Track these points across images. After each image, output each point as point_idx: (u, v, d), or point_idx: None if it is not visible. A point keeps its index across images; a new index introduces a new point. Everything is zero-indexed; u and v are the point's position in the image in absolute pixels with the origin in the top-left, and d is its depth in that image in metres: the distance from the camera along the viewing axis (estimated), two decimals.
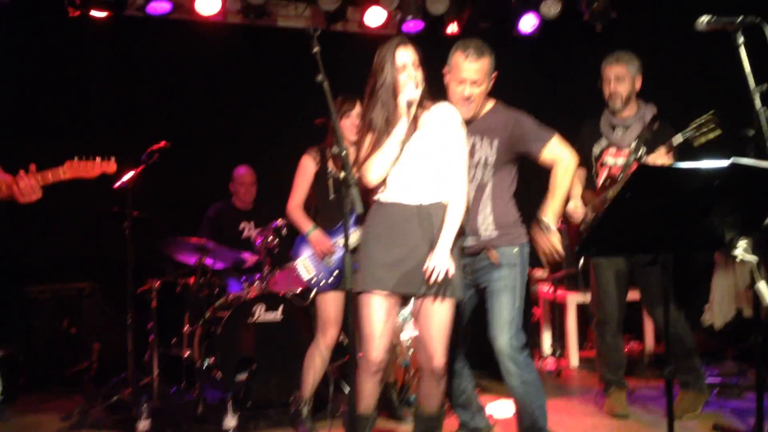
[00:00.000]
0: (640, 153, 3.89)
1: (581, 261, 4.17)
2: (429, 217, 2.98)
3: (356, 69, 3.38)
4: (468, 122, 3.23)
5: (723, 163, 2.19)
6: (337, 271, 3.94)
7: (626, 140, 3.98)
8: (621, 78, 4.00)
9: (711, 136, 3.51)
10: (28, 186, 3.00)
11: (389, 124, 2.97)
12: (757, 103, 2.54)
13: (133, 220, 4.29)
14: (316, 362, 3.97)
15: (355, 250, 3.18)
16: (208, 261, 4.78)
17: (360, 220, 3.16)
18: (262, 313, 4.54)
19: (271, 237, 4.64)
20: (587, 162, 4.10)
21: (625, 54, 4.03)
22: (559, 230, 3.31)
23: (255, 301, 4.54)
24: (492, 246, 3.27)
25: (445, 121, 3.06)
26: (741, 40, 2.60)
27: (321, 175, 4.02)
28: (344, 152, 2.67)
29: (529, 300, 5.78)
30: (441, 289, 2.95)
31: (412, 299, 3.10)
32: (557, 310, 5.75)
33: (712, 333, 5.07)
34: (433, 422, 3.20)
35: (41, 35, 5.66)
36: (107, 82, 6.00)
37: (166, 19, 5.65)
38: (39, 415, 4.53)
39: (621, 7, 6.35)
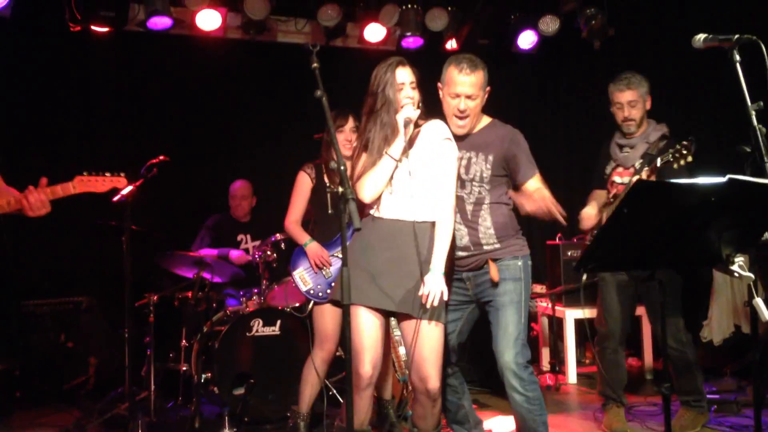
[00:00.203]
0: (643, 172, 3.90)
1: (584, 277, 4.17)
2: (419, 235, 2.99)
3: (356, 84, 3.40)
4: (463, 137, 3.24)
5: (720, 179, 2.20)
6: (334, 284, 3.94)
7: (631, 159, 3.99)
8: (634, 103, 4.02)
9: (683, 162, 3.56)
10: (38, 201, 3.01)
11: (388, 142, 2.99)
12: (754, 120, 2.55)
13: (131, 234, 4.29)
14: (313, 376, 3.97)
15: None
16: (207, 275, 4.78)
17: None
18: (260, 328, 4.53)
19: (269, 251, 4.65)
20: (603, 183, 4.13)
21: (634, 78, 4.04)
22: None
23: (253, 316, 4.54)
24: (494, 258, 3.26)
25: (434, 135, 3.08)
26: (737, 57, 2.61)
27: (318, 190, 4.05)
28: (343, 167, 2.68)
29: (528, 315, 5.78)
30: (429, 313, 2.96)
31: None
32: (556, 326, 5.74)
33: (711, 349, 5.06)
34: None
35: (42, 49, 5.69)
36: (108, 96, 6.03)
37: (167, 35, 5.68)
38: (35, 430, 4.51)
39: (619, 24, 6.40)
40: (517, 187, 3.30)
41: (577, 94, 7.19)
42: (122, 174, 3.30)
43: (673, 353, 3.97)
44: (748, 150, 2.61)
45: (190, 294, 4.79)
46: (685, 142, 3.57)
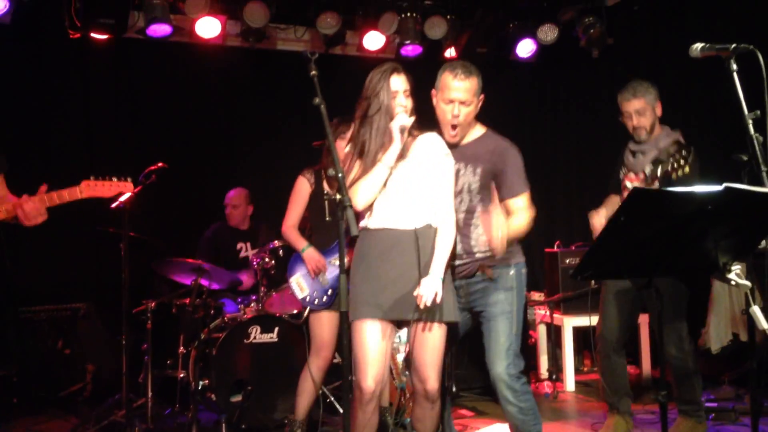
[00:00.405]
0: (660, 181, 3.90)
1: (592, 283, 4.17)
2: (418, 241, 2.98)
3: (355, 92, 3.39)
4: (454, 146, 3.22)
5: (717, 187, 2.21)
6: (331, 290, 3.94)
7: (640, 165, 3.99)
8: (641, 112, 4.03)
9: (680, 173, 3.58)
10: (33, 209, 3.00)
11: (382, 149, 2.99)
12: (751, 129, 2.56)
13: (129, 240, 4.29)
14: (310, 384, 3.96)
15: (348, 271, 3.19)
16: (204, 282, 4.77)
17: (354, 242, 3.16)
18: (257, 335, 4.53)
19: (267, 258, 4.65)
20: (618, 189, 4.14)
21: (640, 86, 4.05)
22: None
23: (251, 323, 4.53)
24: (487, 265, 3.25)
25: (432, 150, 3.09)
26: (734, 66, 2.62)
27: (316, 196, 4.05)
28: (341, 174, 2.68)
29: (526, 323, 5.78)
30: (433, 313, 2.95)
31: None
32: (554, 333, 5.74)
33: (709, 357, 5.05)
34: None
35: (42, 56, 5.71)
36: (107, 103, 6.04)
37: (167, 42, 5.69)
38: None
39: (617, 33, 6.43)
40: (500, 200, 3.25)
41: (576, 103, 7.21)
42: (129, 179, 3.30)
43: (675, 362, 3.96)
44: (745, 159, 2.62)
45: (187, 301, 4.78)
46: (683, 152, 3.59)
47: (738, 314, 4.81)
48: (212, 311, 4.86)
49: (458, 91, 3.16)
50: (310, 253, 3.97)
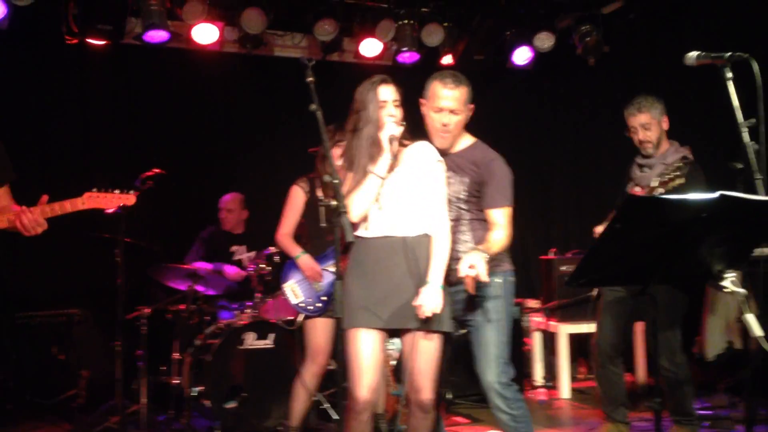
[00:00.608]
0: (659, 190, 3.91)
1: (594, 291, 4.17)
2: (413, 249, 2.98)
3: (351, 99, 3.40)
4: (443, 154, 3.20)
5: (712, 195, 2.21)
6: (325, 297, 3.94)
7: (647, 179, 4.00)
8: (647, 126, 4.04)
9: (677, 183, 3.60)
10: (32, 221, 3.00)
11: (372, 160, 2.99)
12: (745, 137, 2.57)
13: (124, 246, 4.28)
14: (304, 390, 3.95)
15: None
16: (200, 288, 4.77)
17: (349, 249, 3.16)
18: (253, 341, 4.52)
19: (263, 264, 4.65)
20: None
21: (645, 101, 4.06)
22: None
23: (246, 329, 4.52)
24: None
25: (424, 158, 3.09)
26: (729, 75, 2.63)
27: (311, 204, 4.05)
28: (337, 181, 2.69)
29: (521, 330, 5.78)
30: (432, 323, 2.94)
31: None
32: (549, 341, 5.73)
33: (704, 365, 5.06)
34: None
35: (39, 62, 5.70)
36: (104, 109, 6.03)
37: (164, 48, 5.69)
38: None
39: (613, 41, 6.45)
40: (483, 209, 3.22)
41: (572, 110, 7.24)
42: (132, 191, 3.31)
43: (666, 373, 3.96)
44: (740, 166, 2.63)
45: (183, 307, 4.78)
46: (680, 164, 3.62)
47: (733, 322, 4.82)
48: (207, 317, 4.86)
49: (448, 100, 3.15)
50: (305, 260, 3.98)
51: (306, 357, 4.02)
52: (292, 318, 4.64)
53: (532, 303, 6.15)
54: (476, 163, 3.22)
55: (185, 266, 4.74)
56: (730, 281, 2.44)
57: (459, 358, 3.53)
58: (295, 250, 4.02)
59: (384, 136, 2.97)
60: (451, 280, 3.16)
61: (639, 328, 5.53)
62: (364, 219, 3.05)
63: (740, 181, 2.70)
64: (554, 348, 5.69)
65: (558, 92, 7.22)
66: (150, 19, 5.39)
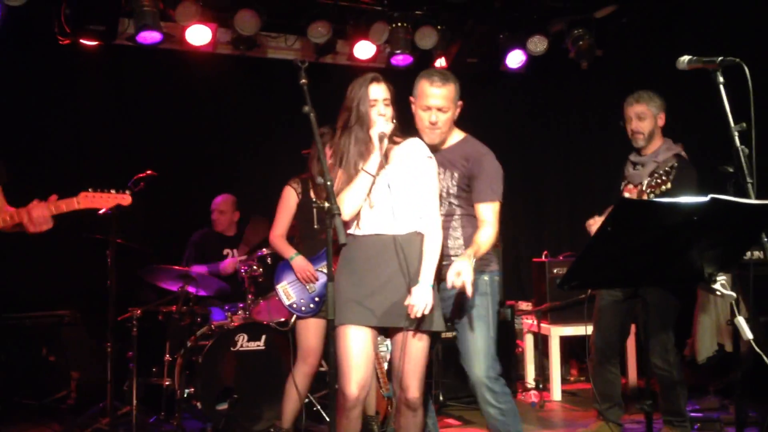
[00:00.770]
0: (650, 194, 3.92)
1: (588, 292, 4.18)
2: (404, 248, 2.99)
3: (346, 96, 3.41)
4: (433, 150, 3.22)
5: (703, 198, 2.22)
6: (317, 298, 3.94)
7: (639, 177, 4.01)
8: (642, 116, 4.06)
9: (663, 189, 3.63)
10: (41, 216, 2.97)
11: (363, 158, 3.00)
12: (736, 141, 2.58)
13: (116, 247, 4.27)
14: (296, 391, 3.95)
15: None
16: (191, 289, 4.76)
17: (340, 250, 3.16)
18: (244, 343, 4.51)
19: (255, 266, 4.65)
20: None
21: (645, 93, 4.09)
22: None
23: (238, 330, 4.51)
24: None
25: (416, 156, 3.09)
26: (721, 79, 2.65)
27: (304, 206, 4.06)
28: (329, 182, 2.69)
29: (513, 332, 5.79)
30: (423, 323, 2.95)
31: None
32: (541, 343, 5.75)
33: (694, 367, 5.08)
34: None
35: (31, 62, 5.68)
36: (97, 110, 6.01)
37: (157, 49, 5.68)
38: None
39: (606, 45, 6.47)
40: (472, 204, 3.24)
41: (565, 113, 7.26)
42: (127, 192, 3.29)
43: (660, 372, 3.98)
44: (731, 170, 2.64)
45: (174, 308, 4.77)
46: (666, 169, 3.64)
47: (723, 325, 4.84)
48: (199, 319, 4.85)
49: (435, 98, 3.18)
50: (298, 262, 3.98)
51: (297, 357, 4.02)
52: (285, 319, 4.63)
53: (524, 305, 6.17)
54: (466, 157, 3.25)
55: (177, 267, 4.73)
56: (720, 284, 2.45)
57: (450, 360, 3.53)
58: (289, 252, 4.02)
59: (374, 134, 2.97)
60: (440, 277, 3.17)
61: (630, 329, 5.54)
62: (356, 217, 3.05)
63: (731, 184, 2.72)
64: (546, 350, 5.70)
65: (551, 95, 7.25)
66: (143, 20, 5.38)
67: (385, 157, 3.04)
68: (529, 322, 5.95)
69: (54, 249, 5.38)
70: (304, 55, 6.28)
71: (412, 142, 3.14)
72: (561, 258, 5.81)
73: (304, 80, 2.76)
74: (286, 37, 6.34)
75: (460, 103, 3.27)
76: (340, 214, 2.63)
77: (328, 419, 4.24)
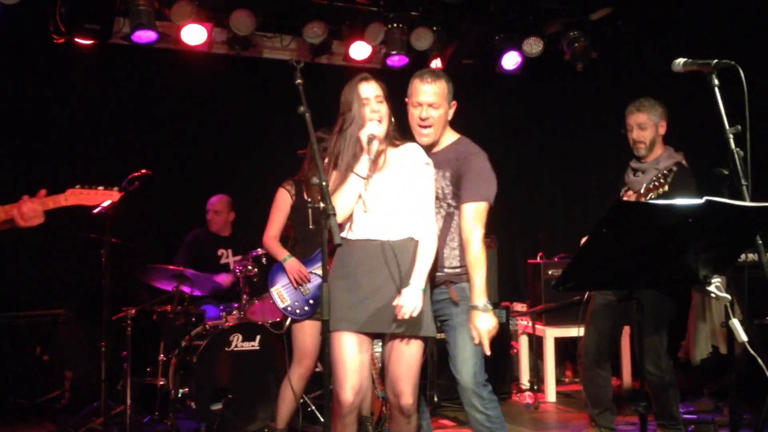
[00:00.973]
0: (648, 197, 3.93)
1: (586, 294, 4.19)
2: (397, 254, 2.97)
3: (340, 102, 3.41)
4: (426, 151, 3.20)
5: (698, 200, 2.23)
6: (312, 300, 3.93)
7: (639, 184, 4.02)
8: (643, 126, 4.07)
9: (661, 191, 3.64)
10: (31, 210, 2.95)
11: (356, 159, 2.99)
12: (731, 143, 2.59)
13: (110, 246, 4.25)
14: (291, 393, 3.94)
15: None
16: (186, 288, 4.75)
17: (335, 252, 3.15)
18: (239, 343, 4.50)
19: (250, 266, 4.64)
20: None
21: (646, 101, 4.10)
22: None
23: (232, 331, 4.51)
24: (452, 282, 3.21)
25: (413, 161, 3.08)
26: (716, 81, 2.65)
27: (298, 207, 4.05)
28: (324, 182, 2.68)
29: (508, 333, 5.79)
30: (411, 327, 2.94)
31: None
32: (535, 344, 5.75)
33: (689, 370, 5.09)
34: None
35: (26, 61, 5.66)
36: (92, 109, 6.00)
37: (152, 48, 5.67)
38: None
39: (601, 47, 6.49)
40: (458, 203, 3.22)
41: (560, 115, 7.27)
42: (116, 188, 3.26)
43: (652, 378, 3.97)
44: (726, 173, 2.64)
45: (168, 308, 4.76)
46: (665, 173, 3.65)
47: (718, 327, 4.86)
48: (193, 318, 4.84)
49: (426, 95, 3.17)
50: (291, 264, 3.97)
51: (293, 359, 4.01)
52: (279, 320, 4.63)
53: (519, 306, 6.17)
54: (457, 156, 3.23)
55: (172, 267, 4.72)
56: (715, 286, 2.46)
57: (445, 361, 3.53)
58: (282, 254, 4.01)
59: (363, 136, 2.96)
60: (433, 283, 3.16)
61: (625, 332, 5.56)
62: (350, 221, 3.04)
63: (726, 187, 2.72)
64: (541, 352, 5.71)
65: (546, 97, 7.26)
66: (138, 19, 5.37)
67: (383, 160, 3.03)
68: (523, 323, 5.96)
69: (48, 248, 5.38)
70: (300, 55, 6.27)
71: (411, 146, 3.12)
72: (556, 259, 5.82)
73: (299, 80, 2.75)
74: (282, 37, 6.34)
75: (453, 103, 3.26)
76: (335, 215, 2.62)
77: (322, 420, 4.24)
